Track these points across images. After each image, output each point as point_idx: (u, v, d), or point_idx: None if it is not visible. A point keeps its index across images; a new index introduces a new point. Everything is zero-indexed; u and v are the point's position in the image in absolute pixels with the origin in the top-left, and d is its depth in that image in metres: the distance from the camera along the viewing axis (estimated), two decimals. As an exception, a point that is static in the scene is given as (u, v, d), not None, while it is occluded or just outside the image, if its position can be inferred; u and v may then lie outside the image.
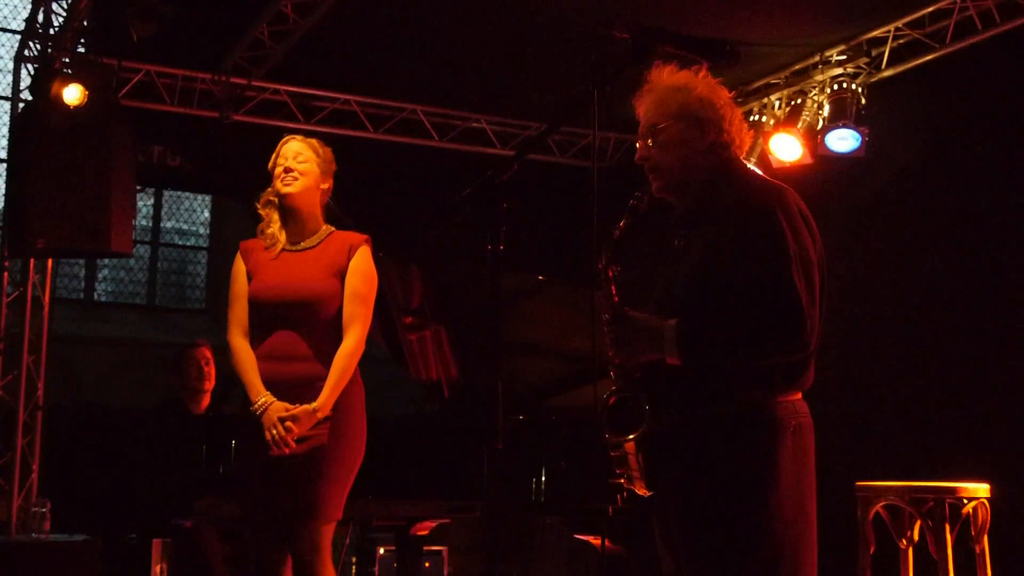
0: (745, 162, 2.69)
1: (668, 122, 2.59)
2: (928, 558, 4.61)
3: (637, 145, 2.67)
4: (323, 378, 3.43)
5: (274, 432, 3.36)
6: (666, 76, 2.63)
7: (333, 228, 3.67)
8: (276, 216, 3.63)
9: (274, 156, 3.65)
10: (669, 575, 2.62)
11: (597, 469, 2.62)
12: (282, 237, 3.61)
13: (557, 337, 5.04)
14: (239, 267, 3.67)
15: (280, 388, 3.44)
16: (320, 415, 3.40)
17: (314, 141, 3.68)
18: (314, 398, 3.41)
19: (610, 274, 2.53)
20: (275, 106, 7.32)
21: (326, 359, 3.46)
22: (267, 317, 3.53)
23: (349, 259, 3.55)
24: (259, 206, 3.66)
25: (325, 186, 3.65)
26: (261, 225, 3.65)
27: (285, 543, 3.47)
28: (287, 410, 3.39)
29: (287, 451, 3.36)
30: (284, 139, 3.67)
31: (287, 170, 3.57)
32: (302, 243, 3.61)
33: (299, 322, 3.49)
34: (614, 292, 2.51)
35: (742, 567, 2.43)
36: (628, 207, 2.58)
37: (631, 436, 2.48)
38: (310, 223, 3.62)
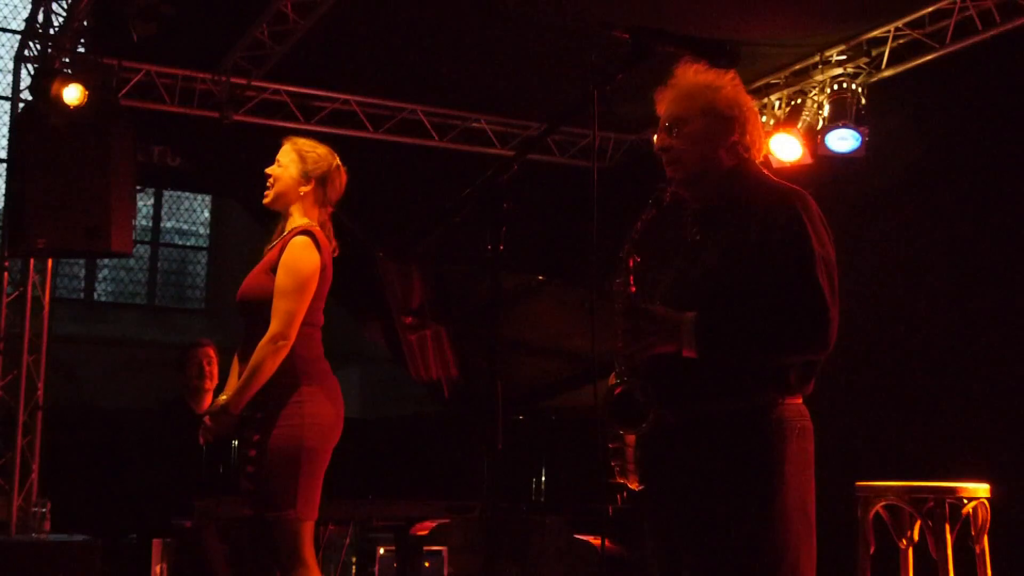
0: (761, 167, 2.71)
1: (695, 116, 2.62)
2: (928, 558, 4.61)
3: (655, 137, 2.68)
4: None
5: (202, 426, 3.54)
6: (694, 73, 2.65)
7: (303, 225, 3.59)
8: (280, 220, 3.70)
9: None
10: (658, 573, 2.61)
11: (597, 469, 2.61)
12: (275, 239, 3.66)
13: (557, 337, 5.03)
14: None
15: None
16: (233, 411, 3.42)
17: (303, 143, 3.66)
18: (264, 400, 3.44)
19: (631, 264, 2.52)
20: (275, 106, 7.32)
21: None
22: (241, 318, 3.63)
23: (281, 254, 3.52)
24: None
25: (305, 189, 3.60)
26: None
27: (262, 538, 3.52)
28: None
29: (209, 440, 3.53)
30: None
31: (266, 177, 3.63)
32: (272, 243, 3.64)
33: (248, 322, 3.55)
34: (632, 282, 2.50)
35: (745, 567, 2.43)
36: (652, 198, 2.58)
37: (636, 430, 2.46)
38: (288, 224, 3.64)
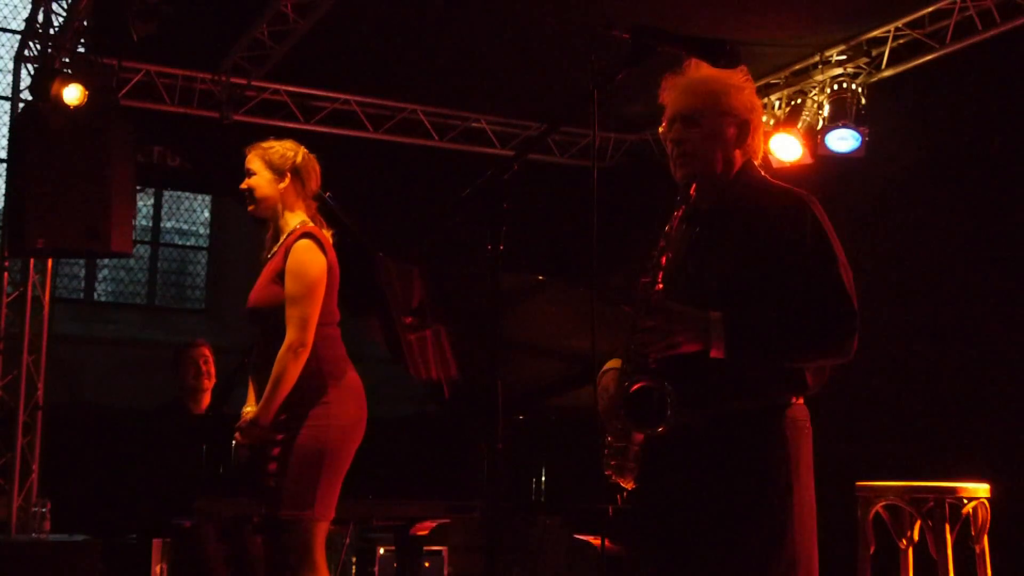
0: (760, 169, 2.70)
1: (717, 114, 2.59)
2: (928, 558, 4.62)
3: (662, 126, 2.65)
4: None
5: (234, 442, 3.54)
6: (712, 69, 2.60)
7: (298, 227, 3.61)
8: (269, 224, 3.71)
9: None
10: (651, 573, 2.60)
11: (597, 469, 2.59)
12: (271, 245, 3.68)
13: (557, 337, 5.03)
14: None
15: (260, 396, 3.53)
16: (262, 423, 3.44)
17: (264, 145, 3.69)
18: (290, 401, 3.46)
19: (663, 261, 2.48)
20: (275, 106, 7.32)
21: None
22: (253, 327, 3.64)
23: (286, 261, 3.53)
24: None
25: (282, 185, 3.63)
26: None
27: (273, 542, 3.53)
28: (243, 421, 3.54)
29: (244, 455, 3.55)
30: None
31: (243, 189, 3.66)
32: (271, 250, 3.66)
33: (261, 331, 3.58)
34: (660, 280, 2.46)
35: (767, 567, 2.41)
36: (680, 195, 2.56)
37: (653, 430, 2.43)
38: (280, 228, 3.66)
